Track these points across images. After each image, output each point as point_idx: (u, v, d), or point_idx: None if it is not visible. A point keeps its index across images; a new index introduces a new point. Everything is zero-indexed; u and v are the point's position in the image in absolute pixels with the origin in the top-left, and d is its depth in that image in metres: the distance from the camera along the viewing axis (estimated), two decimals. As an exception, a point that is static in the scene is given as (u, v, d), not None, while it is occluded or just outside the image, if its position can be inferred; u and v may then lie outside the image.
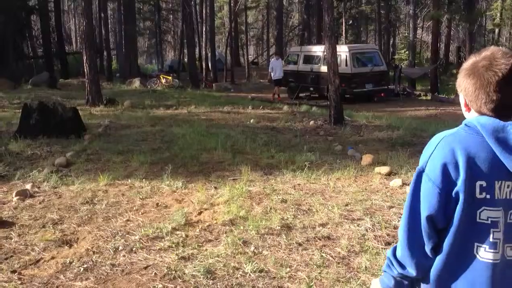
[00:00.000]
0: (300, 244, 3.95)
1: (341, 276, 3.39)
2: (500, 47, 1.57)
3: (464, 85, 1.54)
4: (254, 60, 42.59)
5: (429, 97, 19.94)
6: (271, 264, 3.57)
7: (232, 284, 3.29)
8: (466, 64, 1.55)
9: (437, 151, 1.49)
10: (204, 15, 29.01)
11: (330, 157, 7.20)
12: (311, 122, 11.09)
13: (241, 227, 4.29)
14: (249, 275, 3.41)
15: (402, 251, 1.57)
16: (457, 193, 1.45)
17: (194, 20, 30.06)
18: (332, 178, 5.97)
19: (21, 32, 28.28)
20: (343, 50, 17.08)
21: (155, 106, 14.03)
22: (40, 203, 5.08)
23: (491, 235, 1.45)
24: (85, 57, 14.14)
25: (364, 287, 3.23)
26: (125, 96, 16.09)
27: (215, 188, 5.61)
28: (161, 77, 23.74)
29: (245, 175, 5.96)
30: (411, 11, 25.36)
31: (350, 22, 37.88)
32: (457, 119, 1.56)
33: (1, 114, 11.62)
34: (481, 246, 1.47)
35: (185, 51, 31.57)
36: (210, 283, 3.30)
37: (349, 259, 3.68)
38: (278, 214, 4.61)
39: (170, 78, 23.77)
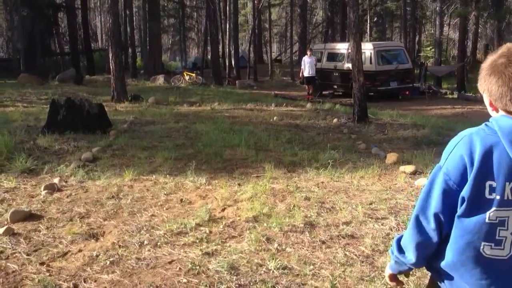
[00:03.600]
0: (323, 242, 3.94)
1: (365, 275, 3.37)
2: None
3: (486, 85, 1.53)
4: (277, 58, 42.49)
5: (455, 96, 19.61)
6: (294, 262, 3.57)
7: (255, 280, 3.30)
8: (485, 64, 1.54)
9: (456, 149, 1.51)
10: (227, 12, 29.07)
11: (353, 155, 7.15)
12: (335, 120, 11.03)
13: (265, 224, 4.31)
14: (273, 271, 3.42)
15: (406, 235, 1.64)
16: (465, 190, 1.47)
17: (217, 17, 30.13)
18: (356, 176, 5.93)
19: (48, 29, 28.82)
20: (367, 48, 16.94)
21: (179, 102, 14.13)
22: (67, 197, 5.19)
23: (497, 233, 1.48)
24: (110, 54, 14.34)
25: (388, 286, 3.20)
26: (149, 93, 16.26)
27: (239, 184, 5.63)
28: (185, 74, 23.89)
29: (268, 172, 5.97)
30: (437, 8, 24.97)
31: (375, 19, 37.47)
32: (485, 118, 1.58)
33: (29, 109, 11.87)
34: (487, 245, 1.49)
35: (209, 48, 31.65)
36: (234, 279, 3.32)
37: (373, 258, 3.66)
38: (302, 211, 4.61)
39: (193, 75, 23.92)
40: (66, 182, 5.73)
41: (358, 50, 10.81)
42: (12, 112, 11.21)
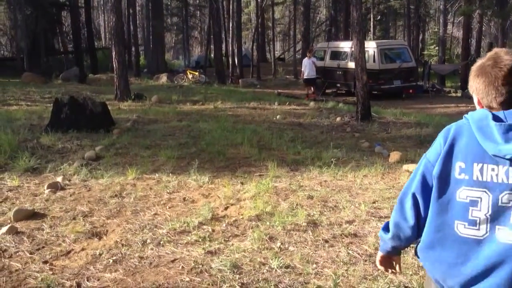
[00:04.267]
0: (326, 241, 3.94)
1: (368, 274, 3.36)
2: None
3: (474, 85, 1.70)
4: (281, 56, 42.44)
5: (459, 94, 19.54)
6: (297, 260, 3.57)
7: (258, 279, 3.30)
8: (474, 67, 1.73)
9: (437, 138, 1.72)
10: (231, 11, 29.03)
11: (357, 154, 7.14)
12: (338, 119, 11.01)
13: (267, 223, 4.30)
14: (275, 270, 3.42)
15: (392, 214, 1.82)
16: (436, 169, 1.65)
17: (221, 16, 30.14)
18: (359, 175, 5.92)
19: (52, 28, 28.89)
20: (371, 46, 16.89)
21: (182, 101, 14.14)
22: (70, 195, 5.20)
23: (470, 213, 1.59)
24: (114, 52, 14.36)
25: (391, 285, 3.20)
26: (152, 91, 16.27)
27: (241, 183, 5.63)
28: (188, 73, 23.89)
29: (271, 171, 5.97)
30: (441, 6, 24.89)
31: (378, 17, 37.41)
32: None
33: (33, 108, 11.90)
34: (460, 224, 1.62)
35: (212, 46, 31.70)
36: (237, 277, 3.32)
37: (376, 257, 3.64)
38: (304, 210, 4.60)
39: (196, 73, 23.91)
40: (69, 180, 5.75)
41: (361, 48, 10.78)
42: (15, 110, 11.24)
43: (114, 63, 14.47)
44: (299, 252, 3.70)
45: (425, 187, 1.70)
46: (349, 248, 3.79)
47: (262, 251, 3.74)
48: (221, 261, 3.53)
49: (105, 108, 9.14)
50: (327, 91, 18.84)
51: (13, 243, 3.93)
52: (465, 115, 1.67)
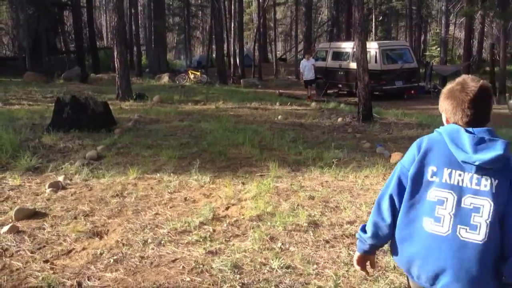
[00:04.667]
0: (327, 242, 3.93)
1: (369, 275, 3.36)
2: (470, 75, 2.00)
3: (444, 105, 1.96)
4: (282, 56, 42.44)
5: (460, 95, 19.50)
6: (298, 261, 3.57)
7: (259, 279, 3.30)
8: (445, 89, 1.99)
9: (411, 147, 1.96)
10: (232, 11, 29.06)
11: (358, 155, 7.14)
12: (339, 119, 11.01)
13: (268, 223, 4.30)
14: (276, 271, 3.42)
15: (370, 216, 2.03)
16: (411, 171, 1.89)
17: (222, 16, 30.13)
18: (360, 175, 5.92)
19: (54, 28, 28.93)
20: (372, 47, 16.89)
21: (184, 101, 14.15)
22: (72, 195, 5.20)
23: (436, 211, 1.83)
24: (115, 52, 14.38)
25: (392, 286, 3.20)
26: (154, 91, 16.29)
27: (243, 183, 5.62)
28: (190, 73, 23.92)
29: (272, 171, 5.97)
30: (443, 7, 24.87)
31: (380, 18, 37.36)
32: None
33: (34, 107, 11.92)
34: (427, 220, 1.84)
35: (214, 47, 31.68)
36: (237, 277, 3.32)
37: (377, 258, 3.64)
38: (306, 210, 4.60)
39: (198, 73, 23.93)
40: (70, 180, 5.75)
41: (363, 49, 10.78)
42: (17, 110, 11.26)
43: (116, 62, 14.50)
44: (300, 253, 3.70)
45: (401, 189, 1.93)
46: (350, 249, 3.78)
47: (263, 251, 3.74)
48: (222, 261, 3.53)
49: (107, 107, 9.14)
50: (328, 91, 18.83)
51: (14, 242, 3.93)
52: (437, 129, 1.93)
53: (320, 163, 6.46)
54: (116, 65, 14.50)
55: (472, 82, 1.90)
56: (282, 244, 3.87)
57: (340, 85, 18.82)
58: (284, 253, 3.71)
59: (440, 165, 1.85)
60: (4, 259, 3.63)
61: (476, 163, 1.77)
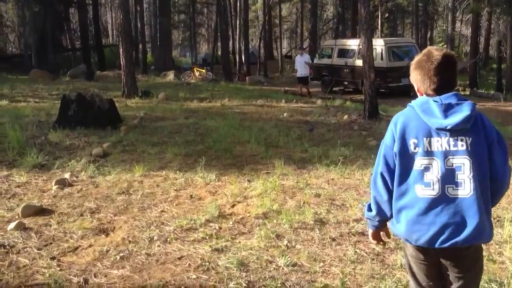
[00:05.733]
0: (333, 239, 3.92)
1: (376, 273, 3.35)
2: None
3: (414, 76, 2.15)
4: (288, 54, 42.37)
5: (467, 92, 19.41)
6: (304, 258, 3.56)
7: (265, 277, 3.29)
8: (413, 61, 2.15)
9: (389, 126, 2.16)
10: (238, 8, 29.01)
11: (364, 152, 7.11)
12: (345, 117, 10.97)
13: (274, 221, 4.29)
14: (282, 268, 3.41)
15: (371, 194, 2.20)
16: (395, 147, 2.07)
17: (228, 13, 30.11)
18: (367, 173, 5.89)
19: (59, 25, 28.98)
20: (378, 44, 16.79)
21: (189, 98, 14.15)
22: (78, 192, 5.21)
23: (425, 177, 2.02)
24: (121, 49, 14.40)
25: (399, 284, 3.18)
26: (159, 89, 16.30)
27: (248, 181, 5.62)
28: (195, 70, 23.90)
29: (278, 169, 5.96)
30: (450, 3, 24.70)
31: (386, 15, 37.22)
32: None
33: (41, 105, 11.96)
34: (419, 186, 2.03)
35: (219, 44, 31.70)
36: (243, 275, 3.32)
37: (384, 256, 3.63)
38: (312, 208, 4.59)
39: (203, 71, 23.91)
40: (76, 177, 5.76)
41: (369, 46, 10.74)
42: (23, 107, 11.30)
43: (121, 60, 14.51)
44: (306, 250, 3.69)
45: (388, 166, 2.11)
46: (357, 247, 3.77)
47: (269, 249, 3.73)
48: (228, 259, 3.53)
49: (113, 105, 9.16)
50: (334, 89, 18.77)
51: (21, 239, 3.94)
52: (409, 104, 2.13)
53: (326, 161, 6.45)
54: (121, 62, 14.51)
55: (436, 52, 2.09)
56: (288, 241, 3.86)
57: (346, 83, 18.74)
58: (290, 251, 3.70)
59: (419, 136, 2.03)
60: (11, 256, 3.64)
61: (448, 128, 1.98)
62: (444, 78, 2.07)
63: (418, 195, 2.03)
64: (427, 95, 2.10)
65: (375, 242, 2.36)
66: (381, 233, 2.32)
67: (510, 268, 3.39)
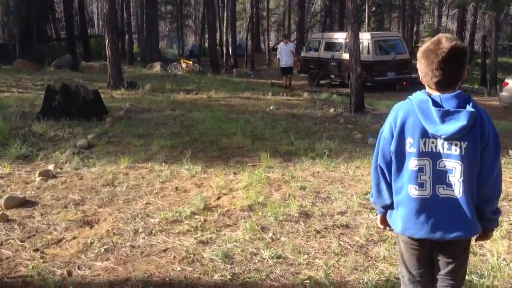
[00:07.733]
0: (318, 232, 3.95)
1: (359, 265, 3.38)
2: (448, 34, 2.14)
3: (419, 65, 2.10)
4: (275, 46, 42.21)
5: (452, 86, 19.59)
6: (289, 251, 3.58)
7: (249, 269, 3.31)
8: (421, 48, 2.10)
9: (388, 117, 2.16)
10: (225, 0, 28.86)
11: (349, 145, 7.15)
12: (331, 110, 11.01)
13: (260, 213, 4.31)
14: (267, 260, 3.43)
15: (371, 181, 2.28)
16: (392, 145, 2.10)
17: (215, 4, 29.94)
18: (352, 166, 5.93)
19: (44, 15, 28.56)
20: (365, 38, 16.86)
21: (176, 90, 14.08)
22: (62, 183, 5.17)
23: (418, 178, 2.07)
24: (107, 40, 14.24)
25: (382, 276, 3.22)
26: (146, 80, 16.17)
27: (234, 173, 5.62)
28: (182, 62, 23.77)
29: (264, 162, 5.96)
30: (436, -2, 24.84)
31: (373, 9, 37.31)
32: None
33: (25, 95, 11.80)
34: (412, 187, 2.09)
35: (206, 36, 31.53)
36: (228, 267, 3.33)
37: (367, 248, 3.67)
38: (297, 201, 4.61)
39: (190, 62, 23.79)
40: (61, 169, 5.71)
41: (356, 40, 10.77)
42: (7, 97, 11.14)
43: (107, 51, 14.36)
44: (290, 243, 3.71)
45: (385, 159, 2.15)
46: (341, 239, 3.80)
47: (254, 241, 3.75)
48: (212, 251, 3.54)
49: (98, 96, 9.06)
50: (321, 82, 18.82)
51: (4, 231, 3.91)
52: (409, 97, 2.11)
53: (312, 154, 6.47)
54: (107, 53, 14.36)
55: (445, 42, 2.00)
56: (273, 234, 3.88)
57: (332, 76, 18.80)
58: (275, 243, 3.72)
59: (415, 136, 2.05)
60: (-7, 248, 3.60)
61: (443, 137, 2.00)
62: (448, 73, 2.01)
63: (411, 195, 2.10)
64: (429, 87, 2.10)
65: (382, 227, 2.40)
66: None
67: (491, 261, 3.45)
